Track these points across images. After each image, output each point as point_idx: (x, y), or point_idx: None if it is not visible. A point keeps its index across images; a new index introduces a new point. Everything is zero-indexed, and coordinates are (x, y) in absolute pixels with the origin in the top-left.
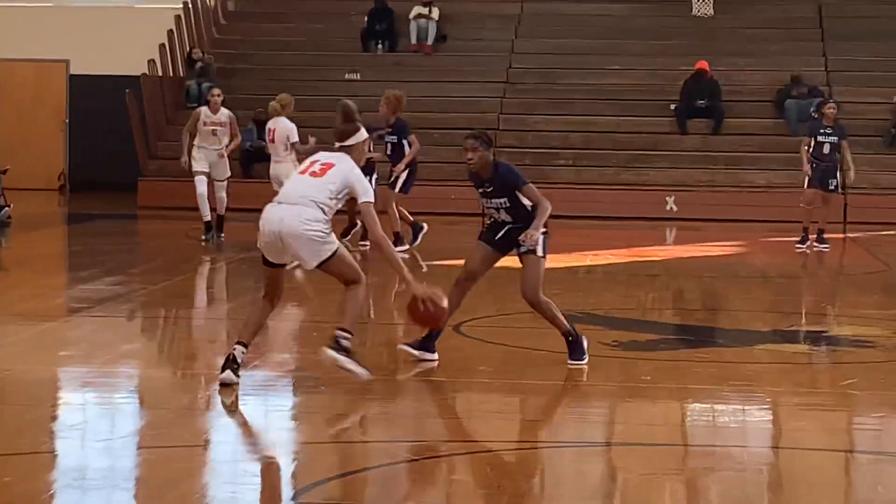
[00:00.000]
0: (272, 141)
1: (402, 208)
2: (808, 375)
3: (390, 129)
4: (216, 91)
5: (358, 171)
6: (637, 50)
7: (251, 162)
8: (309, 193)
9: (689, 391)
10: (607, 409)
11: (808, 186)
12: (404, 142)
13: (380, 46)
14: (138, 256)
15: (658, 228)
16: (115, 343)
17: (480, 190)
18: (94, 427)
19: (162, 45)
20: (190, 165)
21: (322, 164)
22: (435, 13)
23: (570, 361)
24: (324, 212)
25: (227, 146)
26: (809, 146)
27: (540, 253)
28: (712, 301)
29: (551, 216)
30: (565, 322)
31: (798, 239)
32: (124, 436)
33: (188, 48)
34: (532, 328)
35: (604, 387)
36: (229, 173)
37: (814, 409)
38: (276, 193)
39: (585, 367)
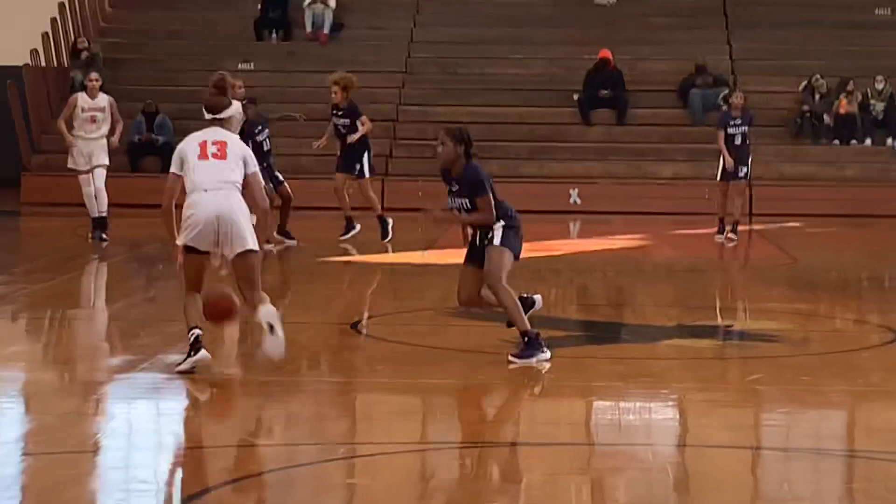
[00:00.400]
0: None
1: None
2: (713, 371)
3: (341, 112)
4: (94, 75)
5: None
6: (539, 38)
7: (139, 155)
8: (225, 177)
9: (594, 388)
10: (510, 407)
11: (721, 178)
12: (358, 123)
13: (274, 35)
14: (21, 255)
15: (561, 222)
16: None
17: (448, 188)
18: None
19: (45, 34)
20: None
21: (216, 145)
22: (331, 1)
23: (512, 357)
24: (241, 192)
25: (110, 133)
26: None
27: (496, 242)
28: (617, 296)
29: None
30: (525, 322)
31: (716, 230)
32: (8, 442)
33: (73, 37)
34: (433, 325)
35: (506, 385)
36: (107, 161)
37: (720, 405)
38: None
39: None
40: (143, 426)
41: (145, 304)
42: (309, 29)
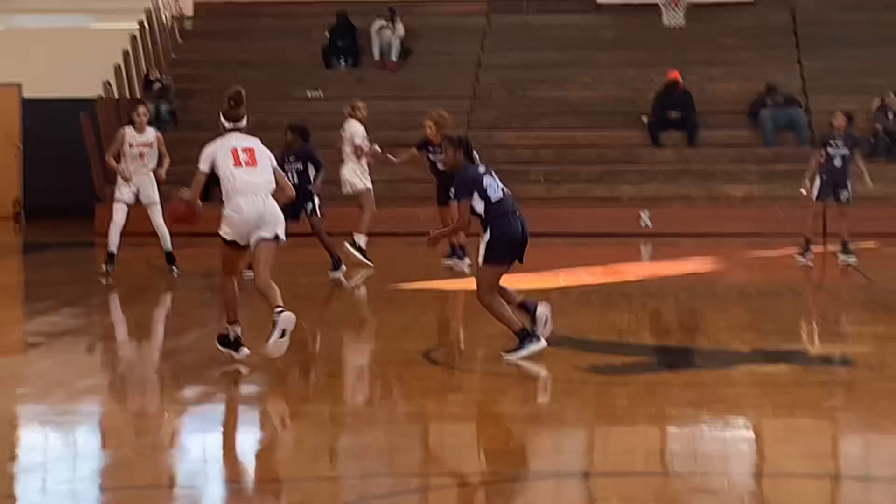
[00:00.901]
0: (341, 143)
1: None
2: (789, 397)
3: (437, 148)
4: (141, 109)
5: None
6: (607, 61)
7: (210, 185)
8: (259, 181)
9: (668, 416)
10: (583, 436)
11: (816, 198)
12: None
13: (342, 63)
14: (96, 286)
15: (632, 245)
16: (73, 379)
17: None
18: (55, 469)
19: (117, 67)
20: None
21: (246, 152)
22: (399, 28)
23: (506, 356)
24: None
25: (157, 167)
26: (822, 158)
27: (479, 262)
28: (690, 320)
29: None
30: (517, 322)
31: (798, 251)
32: (84, 477)
33: (145, 69)
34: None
35: (579, 413)
36: (157, 198)
37: (796, 431)
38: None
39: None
40: (217, 459)
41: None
42: (377, 56)
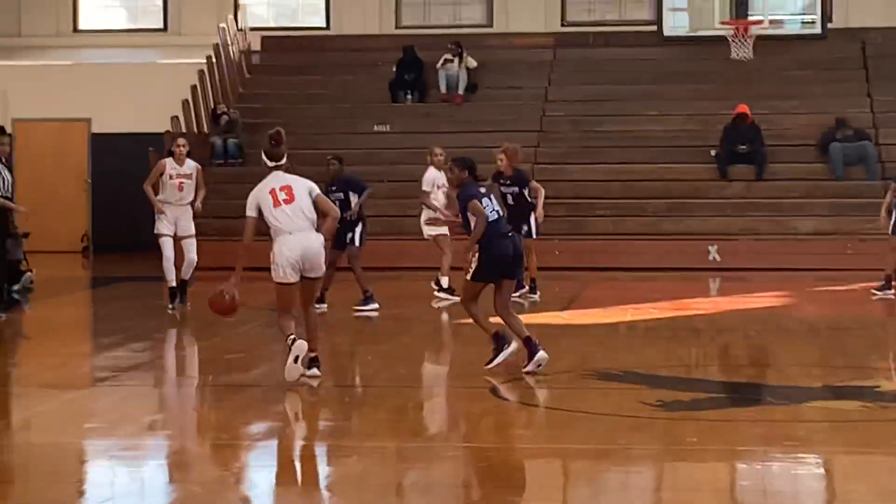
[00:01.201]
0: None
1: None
2: (861, 434)
3: (508, 181)
4: (181, 141)
5: None
6: (674, 94)
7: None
8: (300, 217)
9: (737, 453)
10: (651, 473)
11: (892, 232)
12: (525, 191)
13: (409, 97)
14: (164, 321)
15: (701, 279)
16: (141, 413)
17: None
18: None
19: (185, 101)
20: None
21: (283, 191)
22: (465, 62)
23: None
24: (315, 227)
25: (194, 200)
26: None
27: (467, 276)
28: (759, 356)
29: (587, 268)
30: (492, 328)
31: (877, 286)
32: None
33: (213, 103)
34: (572, 388)
35: (647, 449)
36: (194, 230)
37: (868, 470)
38: None
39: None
40: (284, 495)
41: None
42: (443, 90)
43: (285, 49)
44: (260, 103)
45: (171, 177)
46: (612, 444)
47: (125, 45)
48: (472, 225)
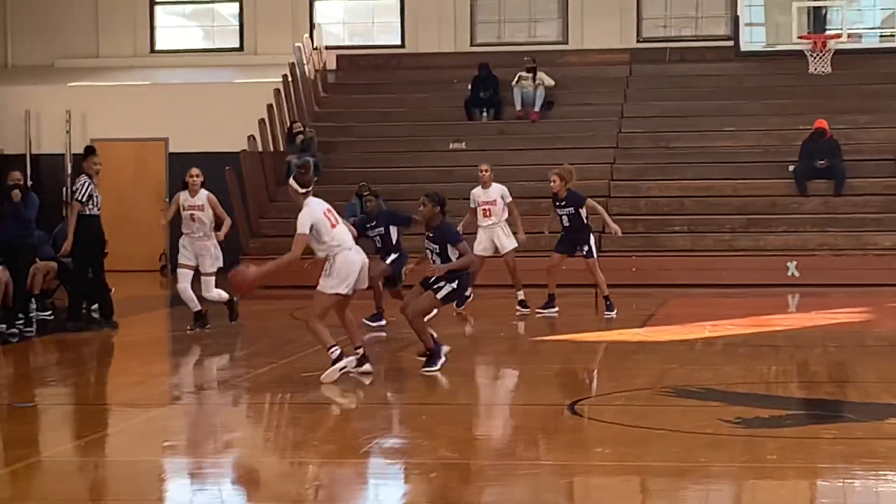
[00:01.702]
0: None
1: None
2: None
3: (563, 202)
4: (194, 171)
5: None
6: (751, 110)
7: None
8: (350, 237)
9: (818, 471)
10: (731, 491)
11: None
12: (581, 211)
13: (484, 114)
14: (241, 339)
15: (779, 296)
16: (220, 431)
17: (426, 236)
18: None
19: (262, 120)
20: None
21: (331, 213)
22: (540, 79)
23: (423, 369)
24: None
25: (216, 229)
26: None
27: (438, 296)
28: (839, 372)
29: (664, 285)
30: (431, 340)
31: None
32: None
33: (289, 122)
34: (650, 405)
35: (727, 467)
36: (221, 264)
37: None
38: None
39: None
40: None
41: (360, 388)
42: (518, 107)
43: (360, 67)
44: (335, 122)
45: (183, 208)
46: (691, 461)
47: (202, 65)
48: (454, 258)
